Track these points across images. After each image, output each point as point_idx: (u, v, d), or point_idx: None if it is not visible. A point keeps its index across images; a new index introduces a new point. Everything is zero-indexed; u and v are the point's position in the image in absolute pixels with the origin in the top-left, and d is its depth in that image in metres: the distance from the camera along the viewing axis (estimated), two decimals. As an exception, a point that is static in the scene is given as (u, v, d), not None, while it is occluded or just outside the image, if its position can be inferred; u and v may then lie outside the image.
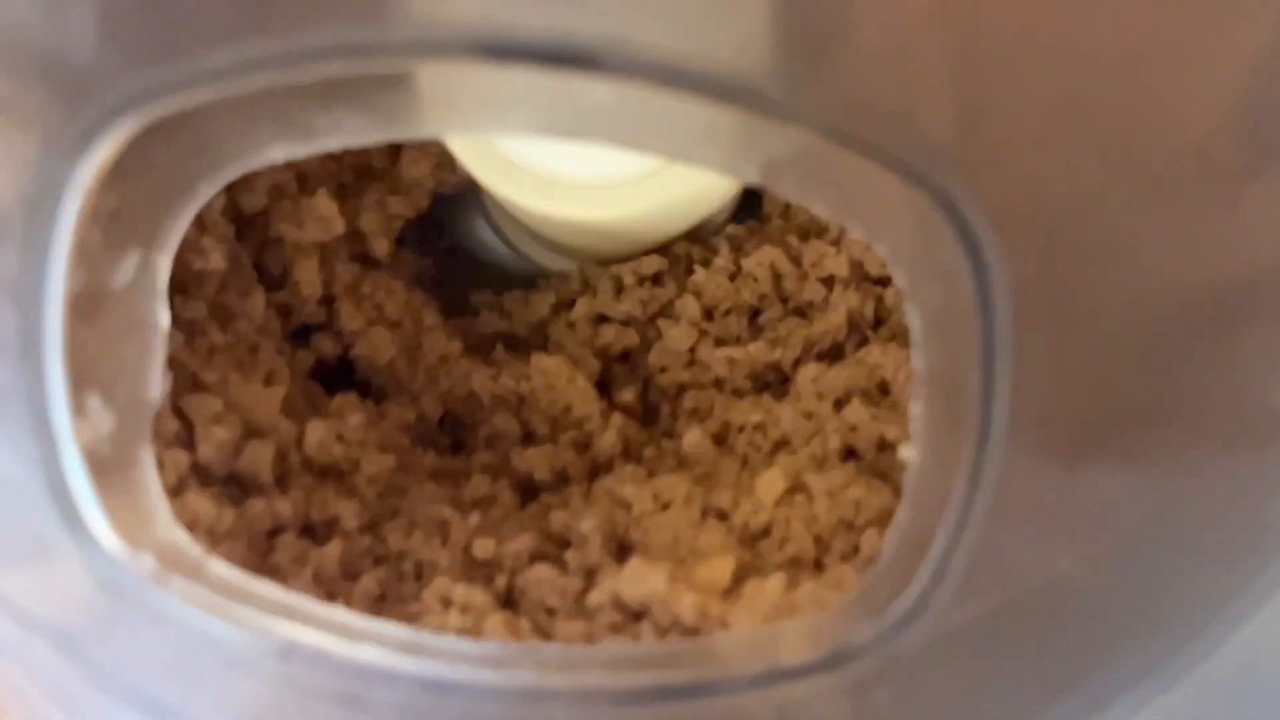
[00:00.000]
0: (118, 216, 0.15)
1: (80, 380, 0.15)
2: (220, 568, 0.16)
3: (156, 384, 0.16)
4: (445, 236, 0.27)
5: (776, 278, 0.24)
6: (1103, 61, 0.13)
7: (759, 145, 0.14)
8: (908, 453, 0.15)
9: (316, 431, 0.21)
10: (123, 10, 0.13)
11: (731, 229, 0.25)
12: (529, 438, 0.24)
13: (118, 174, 0.14)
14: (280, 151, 0.14)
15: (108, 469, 0.15)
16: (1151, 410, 0.15)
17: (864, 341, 0.23)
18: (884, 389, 0.22)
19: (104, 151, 0.14)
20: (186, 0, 0.13)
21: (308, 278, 0.23)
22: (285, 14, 0.13)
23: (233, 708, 0.16)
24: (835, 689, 0.15)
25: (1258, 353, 0.14)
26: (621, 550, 0.20)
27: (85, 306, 0.15)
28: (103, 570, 0.15)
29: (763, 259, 0.24)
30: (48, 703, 0.16)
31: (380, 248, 0.25)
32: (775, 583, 0.18)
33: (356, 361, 0.24)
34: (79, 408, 0.15)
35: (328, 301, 0.24)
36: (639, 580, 0.18)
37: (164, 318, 0.16)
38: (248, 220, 0.23)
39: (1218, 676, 0.15)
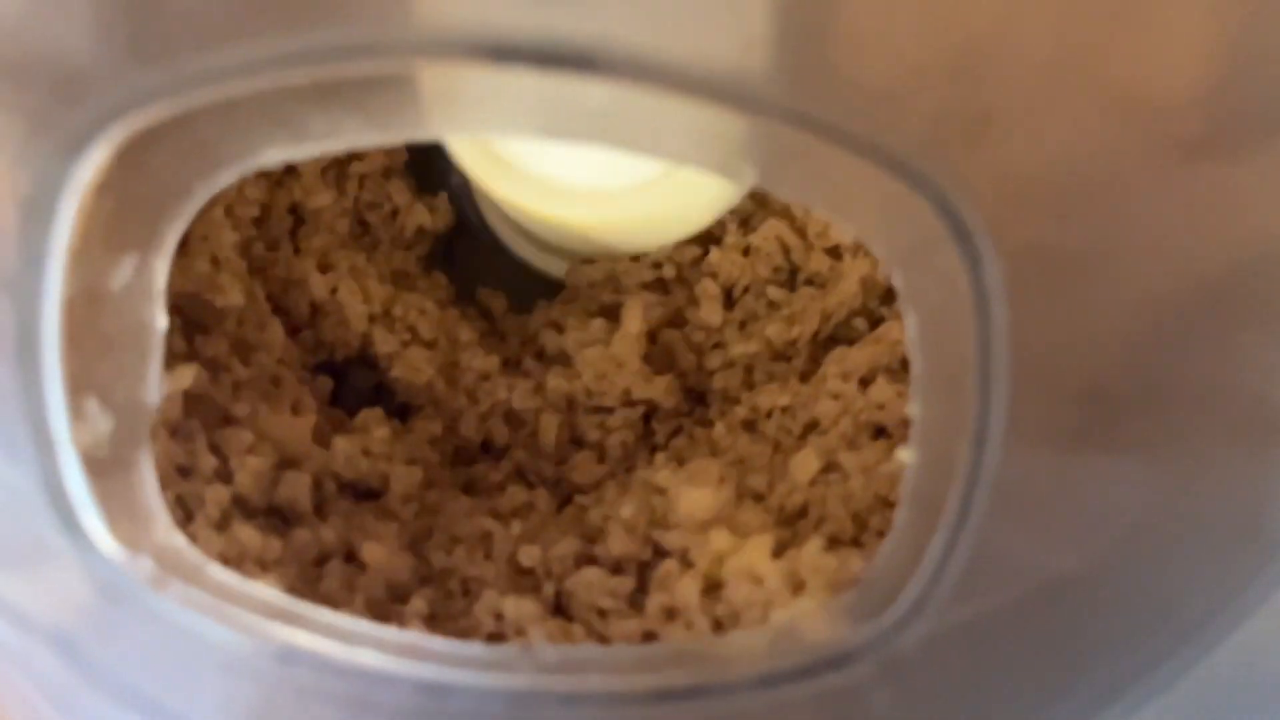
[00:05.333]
0: (114, 219, 0.14)
1: (78, 383, 0.15)
2: (218, 571, 0.16)
3: (154, 387, 0.16)
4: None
5: (785, 250, 0.24)
6: (1097, 21, 0.13)
7: (755, 147, 0.14)
8: (905, 454, 0.15)
9: (343, 447, 0.21)
10: (118, 12, 0.13)
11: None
12: (574, 440, 0.24)
13: (114, 176, 0.14)
14: (278, 154, 0.14)
15: (105, 472, 0.15)
16: (1150, 405, 0.15)
17: (880, 319, 0.23)
18: (907, 365, 0.21)
19: (100, 154, 0.14)
20: (183, 1, 0.13)
21: (354, 305, 0.23)
22: (282, 15, 0.13)
23: (231, 710, 0.16)
24: (835, 689, 0.15)
25: (1258, 346, 0.14)
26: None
27: (82, 309, 0.15)
28: (101, 573, 0.15)
29: (769, 233, 0.24)
30: (47, 706, 0.16)
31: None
32: (813, 546, 0.18)
33: (395, 383, 0.24)
34: (77, 410, 0.15)
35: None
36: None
37: (161, 321, 0.16)
38: (262, 256, 0.23)
39: (1218, 674, 0.15)
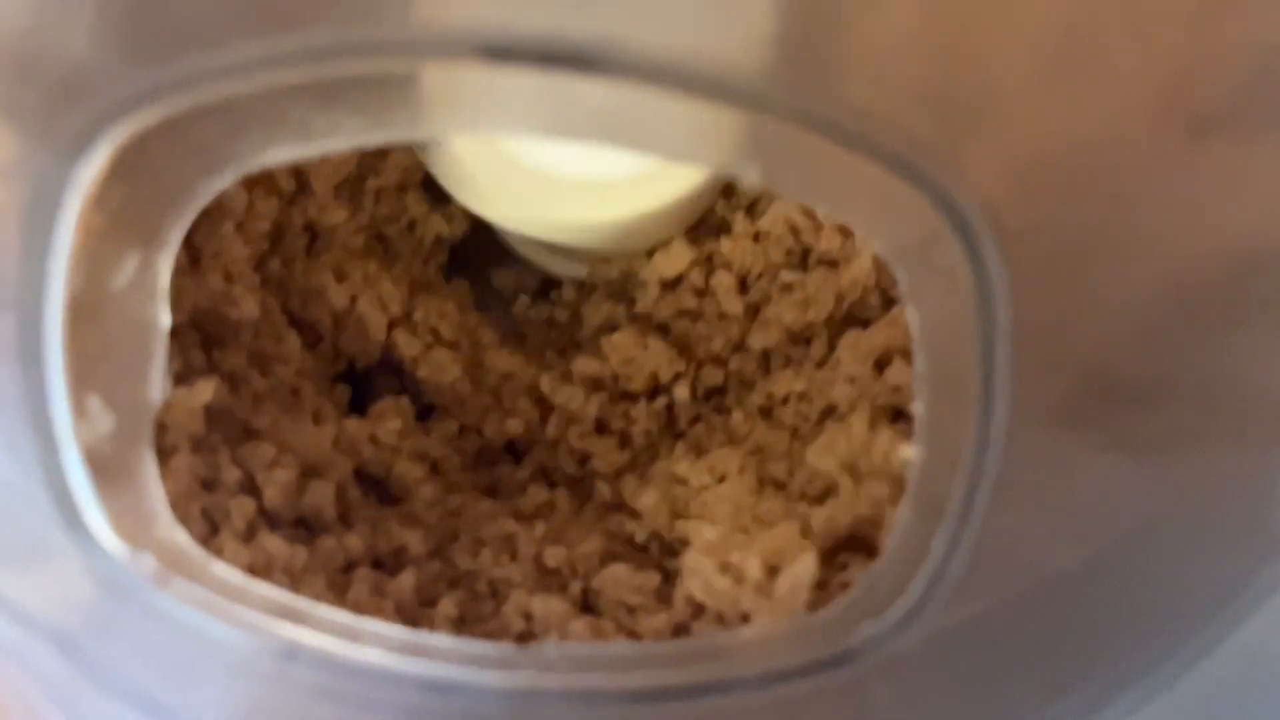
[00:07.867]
0: (117, 218, 0.15)
1: (80, 381, 0.15)
2: (221, 568, 0.16)
3: (157, 385, 0.16)
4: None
5: (795, 232, 0.24)
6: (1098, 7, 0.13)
7: (757, 145, 0.14)
8: (909, 452, 0.15)
9: (351, 429, 0.21)
10: (120, 11, 0.13)
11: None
12: (599, 429, 0.24)
13: (116, 175, 0.14)
14: (279, 153, 0.14)
15: (108, 470, 0.15)
16: (1154, 401, 0.15)
17: (894, 299, 0.23)
18: None
19: (102, 153, 0.14)
20: (183, 2, 0.13)
21: (374, 311, 0.24)
22: (284, 15, 0.13)
23: (233, 708, 0.16)
24: (836, 688, 0.15)
25: (1260, 343, 0.14)
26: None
27: (85, 307, 0.15)
28: (103, 571, 0.15)
29: (777, 216, 0.24)
30: (48, 703, 0.16)
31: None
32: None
33: (421, 385, 0.24)
34: (79, 409, 0.15)
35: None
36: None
37: (164, 319, 0.16)
38: (278, 271, 0.23)
39: (1220, 673, 0.15)
